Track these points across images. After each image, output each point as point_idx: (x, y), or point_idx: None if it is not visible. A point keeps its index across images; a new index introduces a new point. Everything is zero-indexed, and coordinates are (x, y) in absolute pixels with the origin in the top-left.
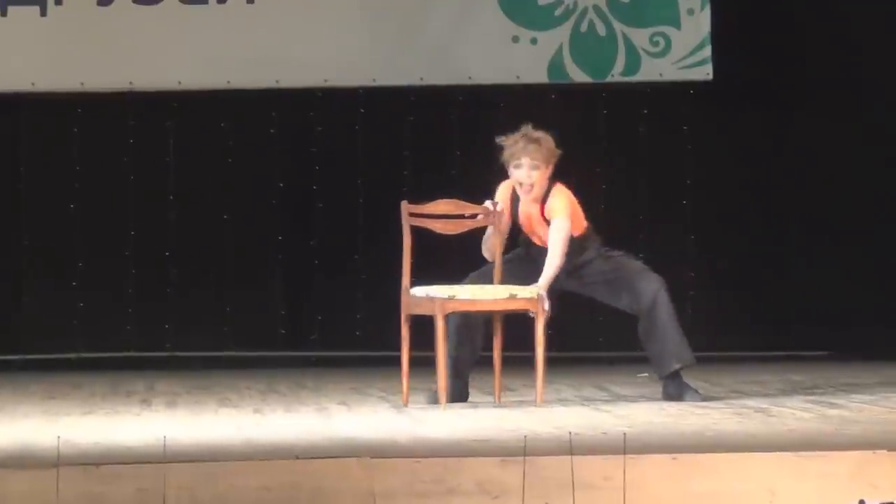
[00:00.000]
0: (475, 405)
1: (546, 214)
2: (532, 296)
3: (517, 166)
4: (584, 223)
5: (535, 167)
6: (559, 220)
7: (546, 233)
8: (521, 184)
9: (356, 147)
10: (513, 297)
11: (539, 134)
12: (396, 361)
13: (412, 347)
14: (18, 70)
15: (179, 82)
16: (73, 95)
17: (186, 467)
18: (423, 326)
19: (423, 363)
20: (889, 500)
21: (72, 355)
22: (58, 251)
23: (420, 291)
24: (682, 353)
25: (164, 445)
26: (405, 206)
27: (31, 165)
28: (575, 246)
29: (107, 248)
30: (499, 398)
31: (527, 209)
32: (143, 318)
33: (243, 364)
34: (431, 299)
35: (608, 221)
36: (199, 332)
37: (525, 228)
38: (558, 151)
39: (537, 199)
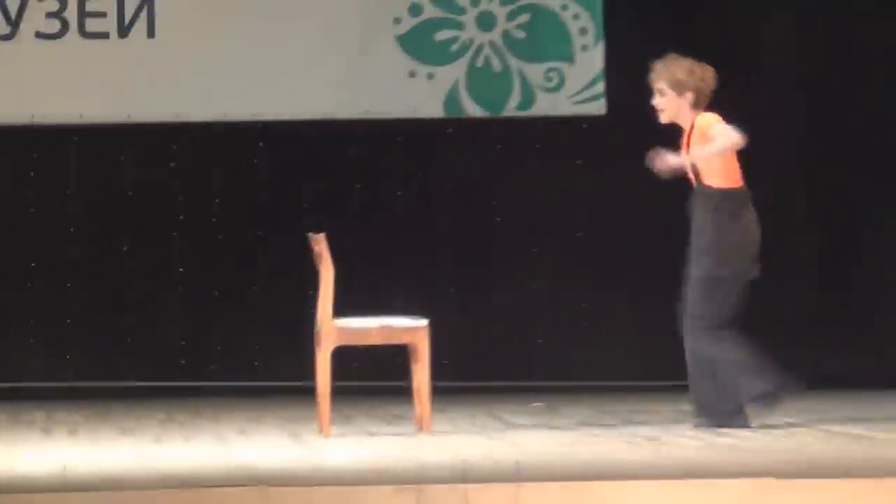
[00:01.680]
0: (373, 434)
1: (693, 142)
2: (415, 327)
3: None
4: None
5: (661, 92)
6: (718, 127)
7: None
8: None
9: (256, 180)
10: (393, 329)
11: (667, 59)
12: (292, 391)
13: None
14: None
15: (81, 115)
16: None
17: (86, 496)
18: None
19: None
20: None
21: None
22: None
23: (351, 322)
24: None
25: (65, 474)
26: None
27: None
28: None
29: (8, 280)
30: (428, 426)
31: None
32: (43, 348)
33: (143, 394)
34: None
35: (503, 251)
36: (99, 362)
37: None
38: (696, 76)
39: (670, 122)
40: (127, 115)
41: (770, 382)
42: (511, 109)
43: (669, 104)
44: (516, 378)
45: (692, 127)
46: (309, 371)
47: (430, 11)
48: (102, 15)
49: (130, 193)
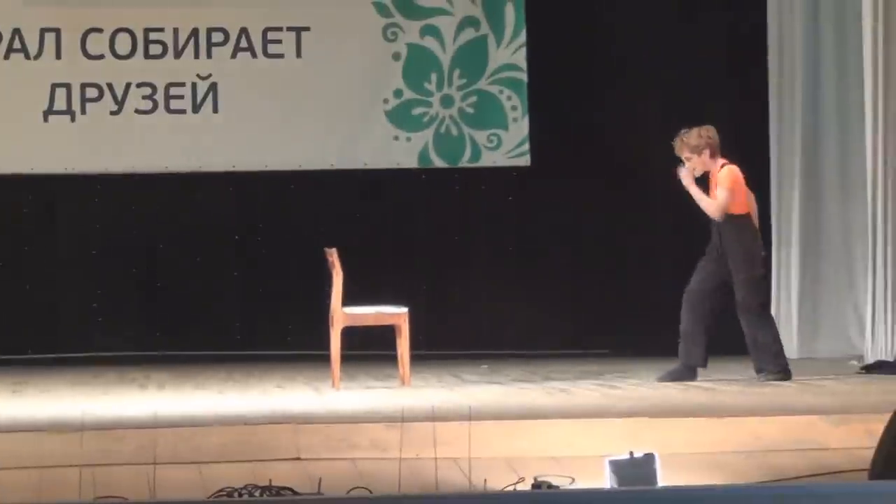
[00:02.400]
0: (370, 388)
1: (713, 185)
2: (398, 313)
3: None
4: (748, 205)
5: (687, 158)
6: (719, 191)
7: None
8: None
9: (289, 208)
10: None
11: (680, 133)
12: (314, 358)
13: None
14: None
15: (166, 167)
16: None
17: (171, 431)
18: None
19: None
20: (649, 451)
21: (91, 354)
22: None
23: (354, 310)
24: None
25: (155, 417)
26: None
27: None
28: (734, 226)
29: (120, 269)
30: (408, 382)
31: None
32: (140, 324)
33: (211, 360)
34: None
35: (461, 259)
36: (179, 335)
37: None
38: (704, 137)
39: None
40: (199, 165)
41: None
42: (465, 161)
43: (696, 164)
44: (469, 348)
45: (715, 174)
46: (325, 344)
47: (409, 94)
48: (181, 97)
49: (199, 210)
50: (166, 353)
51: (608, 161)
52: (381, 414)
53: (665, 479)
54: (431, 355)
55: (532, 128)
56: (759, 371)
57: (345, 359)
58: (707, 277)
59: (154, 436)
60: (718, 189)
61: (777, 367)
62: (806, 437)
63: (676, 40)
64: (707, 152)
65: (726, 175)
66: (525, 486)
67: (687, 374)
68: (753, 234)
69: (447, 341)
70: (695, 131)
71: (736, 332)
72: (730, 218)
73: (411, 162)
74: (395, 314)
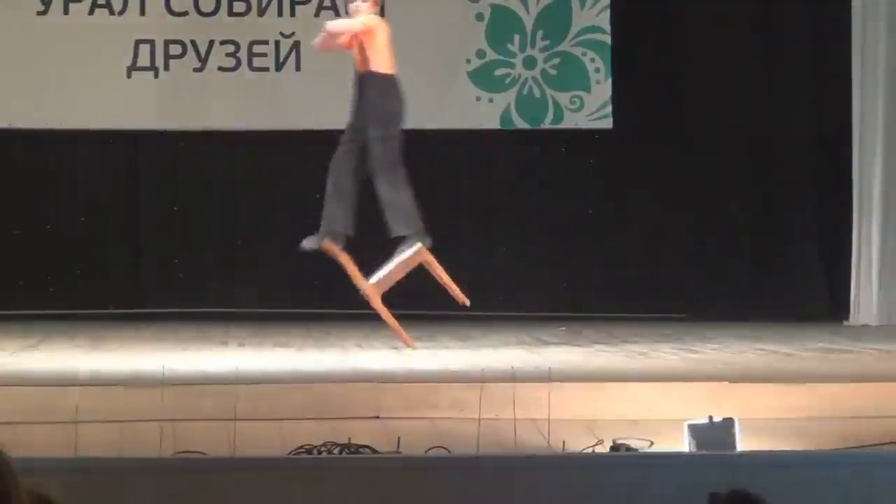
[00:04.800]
0: (449, 347)
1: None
2: (415, 251)
3: None
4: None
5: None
6: (377, 41)
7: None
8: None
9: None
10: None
11: None
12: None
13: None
14: None
15: (247, 123)
16: None
17: (251, 387)
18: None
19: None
20: (729, 416)
21: (173, 310)
22: None
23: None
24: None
25: (237, 373)
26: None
27: None
28: (380, 84)
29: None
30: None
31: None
32: (222, 282)
33: (292, 318)
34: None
35: (545, 224)
36: (257, 293)
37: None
38: None
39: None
40: (280, 124)
41: None
42: (547, 123)
43: (364, 10)
44: (546, 310)
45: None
46: (406, 304)
47: (491, 56)
48: (264, 55)
49: (279, 169)
50: (246, 309)
51: (690, 125)
52: (460, 374)
53: (744, 443)
54: (510, 317)
55: (614, 91)
56: (394, 235)
57: (421, 318)
58: (349, 142)
59: (235, 392)
60: (377, 39)
61: (412, 228)
62: (887, 403)
63: (763, 6)
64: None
65: (385, 28)
66: (603, 449)
67: (331, 239)
68: (398, 94)
69: (526, 302)
70: None
71: (810, 298)
72: (376, 76)
73: (493, 123)
74: (415, 255)
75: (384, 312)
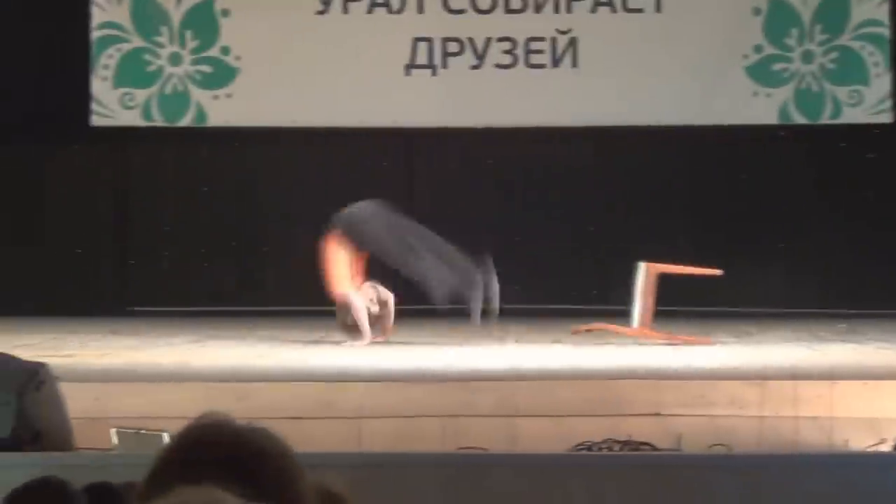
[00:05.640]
0: (726, 343)
1: None
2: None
3: None
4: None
5: None
6: None
7: None
8: None
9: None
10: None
11: None
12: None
13: None
14: None
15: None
16: None
17: (529, 383)
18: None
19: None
20: None
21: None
22: None
23: None
24: None
25: (515, 368)
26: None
27: None
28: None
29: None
30: None
31: None
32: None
33: (560, 314)
34: None
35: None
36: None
37: None
38: None
39: None
40: (556, 120)
41: None
42: (825, 118)
43: None
44: (824, 306)
45: None
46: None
47: (769, 50)
48: (541, 52)
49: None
50: (519, 306)
51: None
52: (739, 371)
53: None
54: (784, 314)
55: (893, 85)
56: None
57: (678, 315)
58: None
59: (513, 388)
60: None
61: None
62: None
63: None
64: None
65: None
66: (887, 448)
67: None
68: None
69: (803, 299)
70: None
71: None
72: None
73: (771, 118)
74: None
75: (664, 336)
